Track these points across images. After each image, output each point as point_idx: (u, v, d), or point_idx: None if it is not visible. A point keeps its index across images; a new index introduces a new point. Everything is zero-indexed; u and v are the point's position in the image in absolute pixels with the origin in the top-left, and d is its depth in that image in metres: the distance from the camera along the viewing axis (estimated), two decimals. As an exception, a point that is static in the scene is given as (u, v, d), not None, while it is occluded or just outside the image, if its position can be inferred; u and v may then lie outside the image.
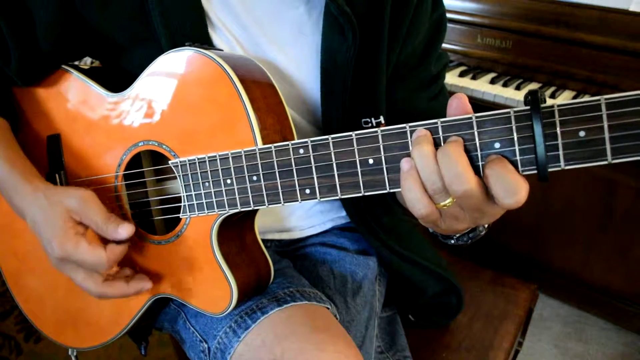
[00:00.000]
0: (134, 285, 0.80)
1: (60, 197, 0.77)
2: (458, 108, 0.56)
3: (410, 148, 0.58)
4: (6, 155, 0.82)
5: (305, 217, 1.06)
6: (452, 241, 0.75)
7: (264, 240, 0.86)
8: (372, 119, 0.89)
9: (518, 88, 1.80)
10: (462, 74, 1.92)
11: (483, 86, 1.83)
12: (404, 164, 0.58)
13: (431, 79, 0.97)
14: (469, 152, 0.54)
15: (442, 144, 0.55)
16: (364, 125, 0.89)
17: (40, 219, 0.77)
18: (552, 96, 1.74)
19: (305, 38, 0.87)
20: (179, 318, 0.96)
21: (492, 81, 1.86)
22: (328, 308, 0.89)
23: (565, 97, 1.73)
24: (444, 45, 1.99)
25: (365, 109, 0.89)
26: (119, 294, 0.79)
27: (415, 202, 0.58)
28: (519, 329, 1.22)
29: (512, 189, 0.52)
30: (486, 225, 0.70)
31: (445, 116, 0.57)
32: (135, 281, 0.80)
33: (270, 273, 0.86)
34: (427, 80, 0.97)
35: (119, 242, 0.76)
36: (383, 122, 0.89)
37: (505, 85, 1.82)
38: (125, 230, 0.76)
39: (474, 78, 1.89)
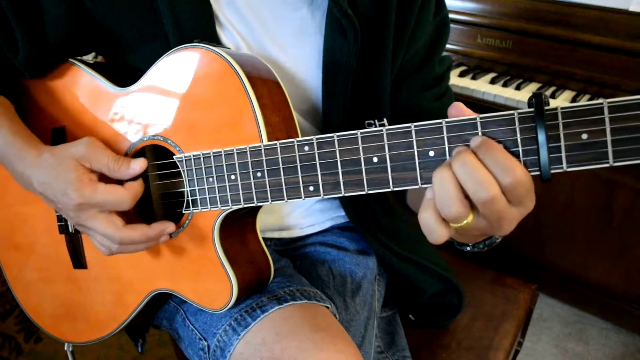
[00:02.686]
0: (157, 226, 0.78)
1: (66, 150, 0.77)
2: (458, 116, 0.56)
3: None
4: (9, 125, 0.82)
5: (305, 216, 1.06)
6: (468, 248, 0.74)
7: (263, 239, 0.86)
8: (376, 120, 0.89)
9: (518, 88, 1.81)
10: (462, 74, 1.92)
11: (483, 86, 1.84)
12: (428, 193, 0.58)
13: (435, 79, 0.98)
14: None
15: (445, 144, 0.56)
16: (368, 127, 0.89)
17: (50, 177, 0.76)
18: (552, 96, 1.74)
19: (308, 39, 0.87)
20: (178, 315, 0.96)
21: (492, 81, 1.86)
22: (328, 307, 0.89)
23: (565, 97, 1.74)
24: (444, 45, 2.00)
25: (369, 110, 0.90)
26: (141, 236, 0.76)
27: (431, 232, 0.58)
28: (519, 329, 1.22)
29: (506, 166, 0.52)
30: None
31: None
32: (158, 223, 0.78)
33: (270, 271, 0.86)
34: (431, 81, 0.97)
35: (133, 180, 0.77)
36: (386, 124, 0.89)
37: (505, 85, 1.83)
38: (137, 164, 0.77)
39: (474, 78, 1.89)
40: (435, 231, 0.57)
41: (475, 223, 0.57)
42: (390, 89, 0.92)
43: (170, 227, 0.78)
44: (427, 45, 0.95)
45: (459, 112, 0.57)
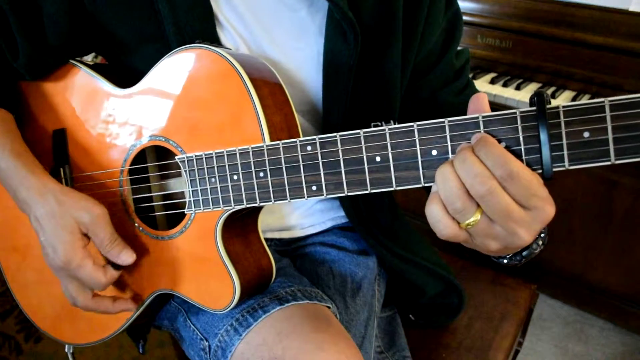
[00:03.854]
0: (119, 305, 0.84)
1: (72, 207, 0.78)
2: (476, 112, 0.56)
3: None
4: (11, 147, 0.82)
5: (306, 216, 1.06)
6: (505, 261, 0.72)
7: (264, 239, 0.86)
8: (383, 122, 0.89)
9: (518, 88, 1.81)
10: (462, 74, 1.92)
11: (483, 86, 1.84)
12: (434, 186, 0.57)
13: (455, 73, 0.98)
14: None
15: (448, 143, 0.56)
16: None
17: (47, 223, 0.77)
18: (553, 96, 1.74)
19: (308, 41, 0.87)
20: (180, 316, 0.96)
21: (492, 81, 1.86)
22: (329, 307, 0.89)
23: (565, 97, 1.74)
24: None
25: (375, 113, 0.90)
26: (103, 310, 0.84)
27: (436, 222, 0.57)
28: (519, 329, 1.22)
29: (498, 159, 0.52)
30: (540, 243, 0.68)
31: None
32: (121, 302, 0.85)
33: (272, 271, 0.86)
34: (450, 76, 0.98)
35: (116, 267, 0.80)
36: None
37: (505, 85, 1.83)
38: (127, 257, 0.80)
39: (474, 78, 1.89)
40: (440, 221, 0.57)
41: (485, 225, 0.56)
42: (409, 88, 0.93)
43: (131, 307, 0.86)
44: (442, 41, 0.96)
45: (478, 104, 0.56)
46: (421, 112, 0.95)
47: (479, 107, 0.56)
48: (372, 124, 0.87)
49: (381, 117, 0.89)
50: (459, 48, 1.01)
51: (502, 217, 0.54)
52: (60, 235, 0.76)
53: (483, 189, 0.52)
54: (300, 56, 0.88)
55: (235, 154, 0.70)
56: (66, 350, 1.02)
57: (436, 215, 0.57)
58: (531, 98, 0.51)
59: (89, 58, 0.96)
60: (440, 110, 0.95)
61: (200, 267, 0.80)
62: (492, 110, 0.55)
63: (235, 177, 0.71)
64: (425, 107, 0.95)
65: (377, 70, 0.88)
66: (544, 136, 0.50)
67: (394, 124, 0.88)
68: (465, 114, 0.56)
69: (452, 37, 0.96)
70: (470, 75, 1.88)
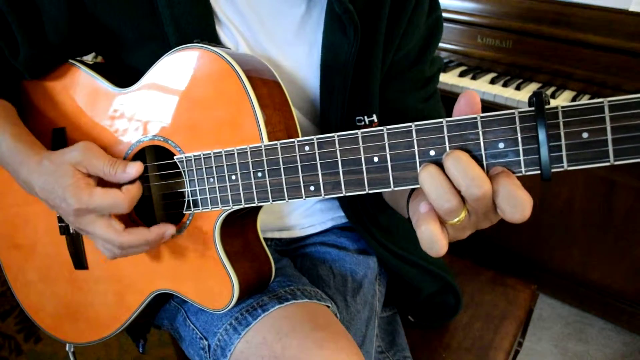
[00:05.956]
0: (156, 229, 0.77)
1: (62, 155, 0.77)
2: (466, 105, 0.56)
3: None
4: (11, 130, 0.82)
5: (306, 216, 1.06)
6: None
7: (264, 239, 0.86)
8: (365, 117, 0.89)
9: (518, 88, 1.81)
10: (462, 74, 1.92)
11: (483, 86, 1.84)
12: (422, 207, 0.57)
13: (424, 81, 0.97)
14: (473, 151, 0.55)
15: (446, 144, 0.56)
16: (358, 124, 0.89)
17: (49, 183, 0.76)
18: (552, 96, 1.74)
19: (307, 36, 0.87)
20: (179, 315, 0.96)
21: (492, 81, 1.86)
22: (329, 307, 0.89)
23: (565, 97, 1.74)
24: (444, 45, 2.00)
25: (360, 107, 0.90)
26: (141, 240, 0.76)
27: (432, 244, 0.57)
28: (519, 329, 1.22)
29: (520, 205, 0.51)
30: None
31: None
32: (157, 226, 0.78)
33: (271, 271, 0.86)
34: (420, 82, 0.97)
35: (131, 183, 0.76)
36: (376, 120, 0.89)
37: (505, 85, 1.83)
38: (133, 168, 0.76)
39: (474, 78, 1.89)
40: (438, 241, 0.56)
41: (466, 220, 0.57)
42: (380, 86, 0.92)
43: (170, 229, 0.78)
44: (419, 46, 0.95)
45: (468, 100, 0.56)
46: (383, 113, 0.94)
47: (470, 101, 0.56)
48: (356, 118, 0.87)
49: (365, 113, 0.90)
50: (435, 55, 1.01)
51: (484, 213, 0.56)
52: (63, 184, 0.75)
53: (479, 192, 0.53)
54: (300, 52, 0.88)
55: (234, 154, 0.70)
56: (67, 349, 1.03)
57: (434, 234, 0.56)
58: (530, 98, 0.51)
59: (89, 58, 0.96)
60: (402, 114, 0.94)
61: (199, 266, 0.80)
62: (492, 110, 0.54)
63: (233, 177, 0.71)
64: (388, 109, 0.94)
65: (364, 65, 0.87)
66: (542, 137, 0.50)
67: (376, 118, 0.88)
68: (429, 121, 0.56)
69: (430, 42, 0.96)
70: (470, 75, 1.89)
